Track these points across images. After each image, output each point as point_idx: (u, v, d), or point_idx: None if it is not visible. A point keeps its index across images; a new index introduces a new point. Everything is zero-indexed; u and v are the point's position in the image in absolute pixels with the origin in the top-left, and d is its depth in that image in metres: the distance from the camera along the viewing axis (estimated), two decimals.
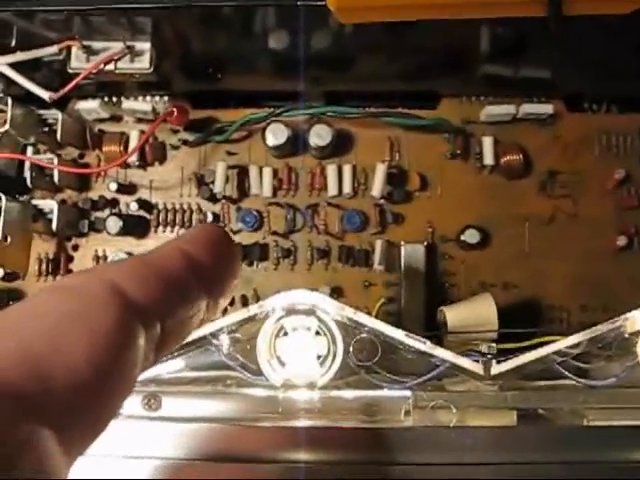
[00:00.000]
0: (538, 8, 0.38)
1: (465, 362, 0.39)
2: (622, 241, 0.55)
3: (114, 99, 0.58)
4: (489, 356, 0.42)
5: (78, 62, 0.49)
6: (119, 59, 0.49)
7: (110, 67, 0.49)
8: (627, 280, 0.56)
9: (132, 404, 0.41)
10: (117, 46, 0.48)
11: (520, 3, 0.38)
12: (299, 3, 0.42)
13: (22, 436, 0.17)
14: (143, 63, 0.49)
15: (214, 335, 0.40)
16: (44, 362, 0.18)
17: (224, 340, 0.40)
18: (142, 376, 0.22)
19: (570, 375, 0.40)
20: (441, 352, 0.39)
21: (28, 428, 0.17)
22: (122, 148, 0.57)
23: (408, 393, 0.40)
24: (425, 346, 0.39)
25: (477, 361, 0.40)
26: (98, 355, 0.19)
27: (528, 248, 0.56)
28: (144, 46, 0.49)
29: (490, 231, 0.56)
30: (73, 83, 0.48)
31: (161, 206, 0.58)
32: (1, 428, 0.17)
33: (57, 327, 0.19)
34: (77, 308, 0.20)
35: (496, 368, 0.39)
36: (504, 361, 0.40)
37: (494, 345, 0.43)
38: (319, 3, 0.40)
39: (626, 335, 0.40)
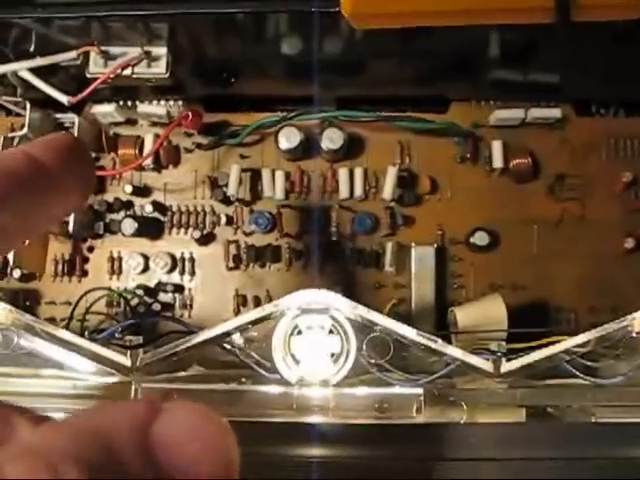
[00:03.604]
0: (546, 14, 0.38)
1: (475, 360, 0.40)
2: (629, 243, 0.56)
3: (129, 103, 0.58)
4: (499, 354, 0.42)
5: (96, 67, 0.50)
6: (136, 64, 0.50)
7: (127, 72, 0.50)
8: (634, 282, 0.56)
9: None
10: (134, 51, 0.49)
11: (529, 10, 0.38)
12: (313, 9, 0.43)
13: None
14: (159, 68, 0.50)
15: (229, 333, 0.41)
16: None
17: (239, 338, 0.41)
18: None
19: (578, 373, 0.41)
20: (452, 350, 0.40)
21: None
22: (137, 151, 0.58)
23: (420, 390, 0.40)
24: (436, 344, 0.39)
25: (487, 359, 0.40)
26: None
27: (536, 250, 0.57)
28: (160, 51, 0.50)
29: (499, 233, 0.57)
30: (92, 87, 0.49)
31: (175, 208, 0.58)
32: None
33: None
34: None
35: (506, 366, 0.40)
36: (514, 359, 0.40)
37: (503, 344, 0.44)
38: (333, 9, 0.41)
39: (633, 334, 0.40)
